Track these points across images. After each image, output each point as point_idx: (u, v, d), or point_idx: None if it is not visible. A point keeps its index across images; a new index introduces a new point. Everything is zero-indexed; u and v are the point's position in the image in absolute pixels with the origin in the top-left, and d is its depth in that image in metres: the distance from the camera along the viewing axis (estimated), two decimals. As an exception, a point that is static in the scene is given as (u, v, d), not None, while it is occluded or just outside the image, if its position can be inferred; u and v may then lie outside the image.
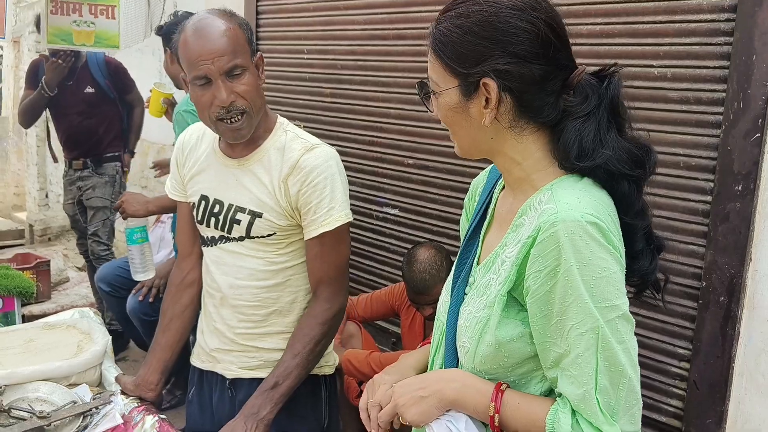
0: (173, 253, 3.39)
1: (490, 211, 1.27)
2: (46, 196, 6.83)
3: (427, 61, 1.17)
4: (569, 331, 1.03)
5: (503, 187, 1.25)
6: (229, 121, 1.70)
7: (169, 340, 1.95)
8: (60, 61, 4.07)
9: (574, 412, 1.04)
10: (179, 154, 1.94)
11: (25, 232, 6.69)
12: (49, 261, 5.15)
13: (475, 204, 1.32)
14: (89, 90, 4.36)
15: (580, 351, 1.02)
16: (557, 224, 1.01)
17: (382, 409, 1.22)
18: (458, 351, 1.18)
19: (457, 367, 1.20)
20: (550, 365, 1.07)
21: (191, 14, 2.07)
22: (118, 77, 4.49)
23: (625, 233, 1.10)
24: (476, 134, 1.14)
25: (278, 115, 1.88)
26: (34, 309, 4.10)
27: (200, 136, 1.92)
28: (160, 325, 1.98)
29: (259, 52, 1.79)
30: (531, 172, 1.14)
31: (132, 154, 4.67)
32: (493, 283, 1.13)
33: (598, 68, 1.14)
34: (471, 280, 1.21)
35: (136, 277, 2.70)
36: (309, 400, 1.90)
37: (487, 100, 1.09)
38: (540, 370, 1.12)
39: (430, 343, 1.34)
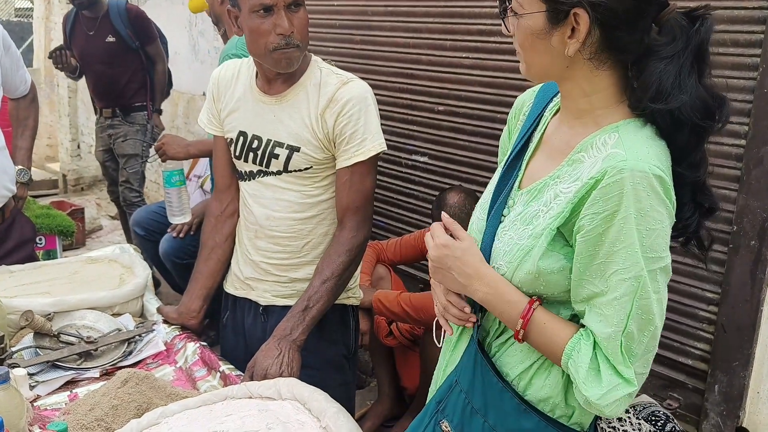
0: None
1: (537, 134, 1.24)
2: (78, 146, 6.89)
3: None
4: (611, 275, 1.05)
5: (556, 112, 1.23)
6: (284, 51, 1.75)
7: (211, 268, 2.01)
8: (58, 65, 4.21)
9: (595, 344, 1.08)
10: (214, 88, 1.98)
11: (58, 182, 6.80)
12: (83, 209, 5.28)
13: (521, 123, 1.30)
14: (110, 39, 4.33)
15: (618, 294, 1.05)
16: (624, 171, 1.02)
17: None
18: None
19: None
20: (581, 300, 1.10)
21: None
22: (139, 25, 4.39)
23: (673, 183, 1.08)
24: (552, 61, 1.11)
25: (311, 54, 1.91)
26: (69, 255, 4.22)
27: (235, 74, 1.95)
28: (200, 255, 2.03)
29: None
30: (597, 107, 1.12)
31: (159, 112, 4.64)
32: (542, 215, 1.13)
33: (687, 9, 1.10)
34: (510, 202, 1.22)
35: (173, 221, 2.71)
36: (339, 327, 1.99)
37: (573, 30, 1.06)
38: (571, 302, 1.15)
39: None
